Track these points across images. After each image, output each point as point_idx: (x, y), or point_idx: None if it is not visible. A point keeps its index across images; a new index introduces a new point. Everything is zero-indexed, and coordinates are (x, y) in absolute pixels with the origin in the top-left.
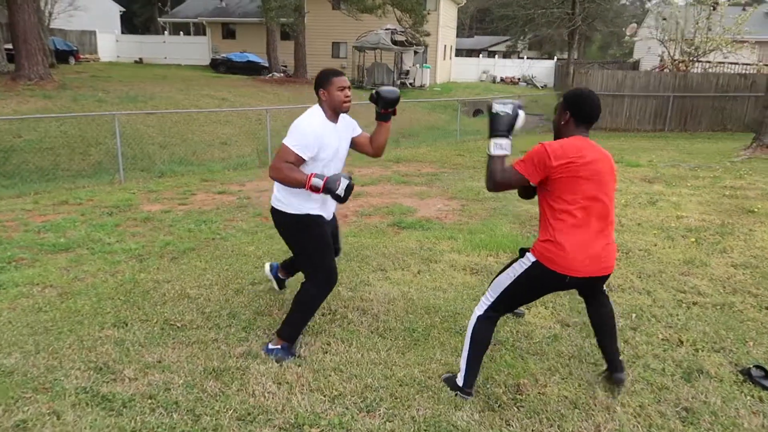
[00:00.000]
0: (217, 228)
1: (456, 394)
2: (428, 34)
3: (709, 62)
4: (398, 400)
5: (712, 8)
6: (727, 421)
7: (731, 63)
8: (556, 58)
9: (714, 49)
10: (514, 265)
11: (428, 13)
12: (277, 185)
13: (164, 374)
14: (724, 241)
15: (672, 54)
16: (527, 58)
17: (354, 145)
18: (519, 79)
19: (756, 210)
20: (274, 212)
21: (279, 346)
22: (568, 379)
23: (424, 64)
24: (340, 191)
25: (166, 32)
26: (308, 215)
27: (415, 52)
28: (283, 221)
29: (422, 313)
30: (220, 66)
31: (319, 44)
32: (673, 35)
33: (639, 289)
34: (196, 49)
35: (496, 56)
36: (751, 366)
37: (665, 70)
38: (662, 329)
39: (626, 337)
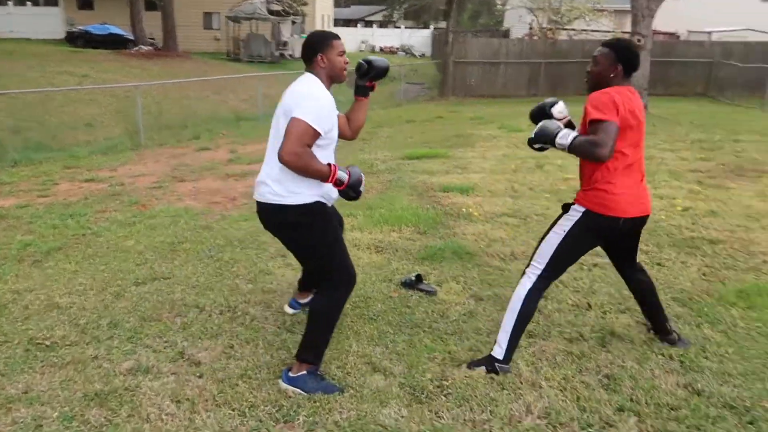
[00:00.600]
0: (87, 222)
1: (488, 371)
2: (305, 3)
3: (574, 30)
4: (318, 404)
5: None
6: (646, 384)
7: (593, 30)
8: (432, 27)
9: (578, 17)
10: (559, 222)
11: None
12: (271, 175)
13: (33, 408)
14: None
15: (540, 22)
16: (404, 27)
17: None
18: (398, 48)
19: None
20: (275, 210)
21: (304, 372)
22: None
23: (302, 35)
24: (363, 188)
25: (10, 2)
26: (318, 203)
27: (293, 22)
28: (289, 218)
29: None
30: (77, 40)
31: (189, 14)
32: (541, 4)
33: None
34: (47, 22)
35: (374, 26)
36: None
37: (534, 38)
38: (571, 294)
39: (539, 306)
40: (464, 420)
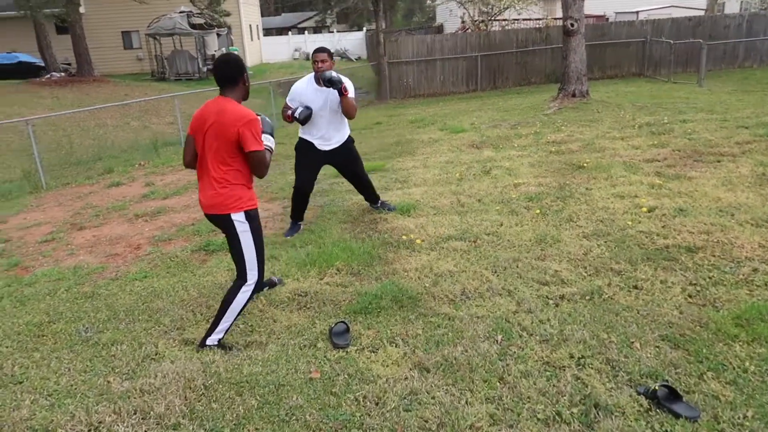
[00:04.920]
0: None
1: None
2: (228, 14)
3: (505, 20)
4: None
5: None
6: None
7: (525, 19)
8: (365, 29)
9: (508, 7)
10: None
11: None
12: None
13: None
14: (567, 207)
15: (472, 15)
16: (337, 31)
17: None
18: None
19: (585, 165)
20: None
21: None
22: None
23: (230, 47)
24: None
25: None
26: None
27: (218, 35)
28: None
29: (232, 396)
30: None
31: (106, 35)
32: None
33: (498, 290)
34: None
35: (306, 32)
36: (656, 386)
37: (467, 31)
38: (538, 347)
39: (500, 373)
40: None
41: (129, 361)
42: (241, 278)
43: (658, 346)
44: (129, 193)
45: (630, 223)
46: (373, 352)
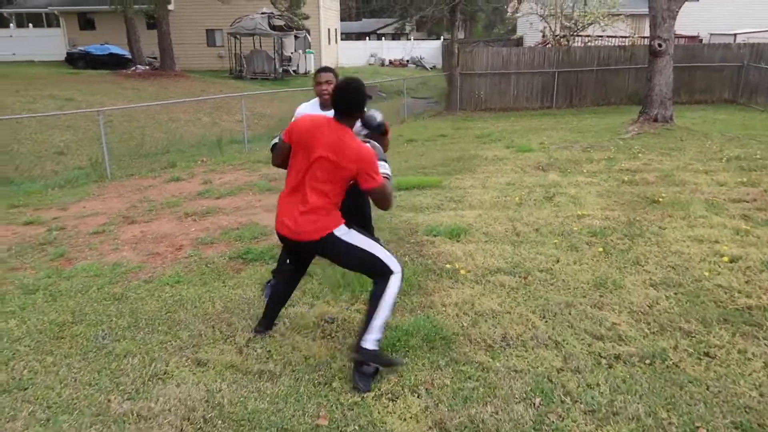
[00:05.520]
0: None
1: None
2: (307, 17)
3: (588, 36)
4: None
5: None
6: None
7: (609, 36)
8: (442, 38)
9: (592, 22)
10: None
11: None
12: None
13: None
14: (635, 247)
15: (553, 29)
16: (415, 39)
17: None
18: (408, 61)
19: (660, 200)
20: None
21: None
22: None
23: (307, 50)
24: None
25: (12, 25)
26: None
27: (296, 37)
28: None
29: None
30: (78, 61)
31: (191, 32)
32: (552, 10)
33: (544, 340)
34: (49, 43)
35: (383, 39)
36: None
37: (547, 46)
38: (581, 419)
39: None
40: None
41: (136, 378)
42: (384, 277)
43: None
44: (186, 189)
45: (707, 273)
46: (392, 400)
